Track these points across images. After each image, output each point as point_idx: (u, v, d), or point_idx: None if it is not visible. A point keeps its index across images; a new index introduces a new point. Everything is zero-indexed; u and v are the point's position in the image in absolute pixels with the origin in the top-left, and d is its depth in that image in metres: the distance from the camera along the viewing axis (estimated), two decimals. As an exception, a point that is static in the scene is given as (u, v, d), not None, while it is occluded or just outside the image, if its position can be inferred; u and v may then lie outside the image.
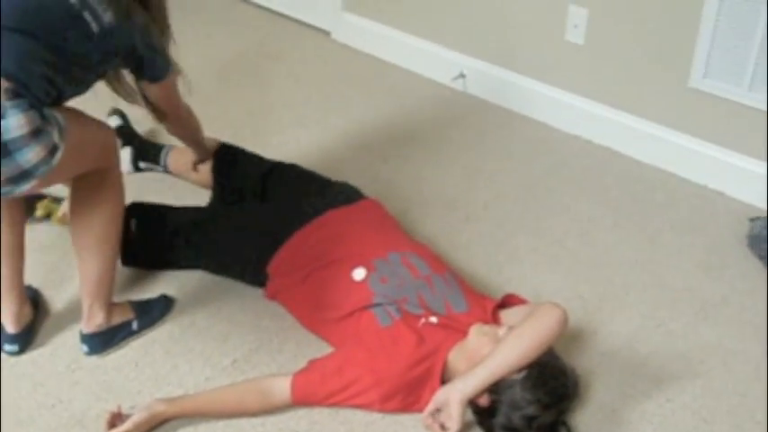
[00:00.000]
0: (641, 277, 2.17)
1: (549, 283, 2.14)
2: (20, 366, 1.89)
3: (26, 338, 1.93)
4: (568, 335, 1.93)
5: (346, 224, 2.04)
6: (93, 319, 1.89)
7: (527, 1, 2.76)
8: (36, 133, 1.50)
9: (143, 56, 1.77)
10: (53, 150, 1.55)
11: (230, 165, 2.30)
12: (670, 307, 2.07)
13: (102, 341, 1.92)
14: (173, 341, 1.96)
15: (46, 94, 1.56)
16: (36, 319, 1.98)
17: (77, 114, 1.71)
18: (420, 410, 1.71)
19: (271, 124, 2.84)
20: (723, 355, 1.93)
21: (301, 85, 3.09)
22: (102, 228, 1.84)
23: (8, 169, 1.51)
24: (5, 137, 1.47)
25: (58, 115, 1.59)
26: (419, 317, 1.80)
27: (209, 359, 1.91)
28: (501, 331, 1.70)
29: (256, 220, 2.10)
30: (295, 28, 3.51)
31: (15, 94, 1.48)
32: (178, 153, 2.43)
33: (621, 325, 2.01)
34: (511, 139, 2.78)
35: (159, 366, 1.90)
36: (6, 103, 1.46)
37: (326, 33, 3.43)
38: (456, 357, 1.73)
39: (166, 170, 2.46)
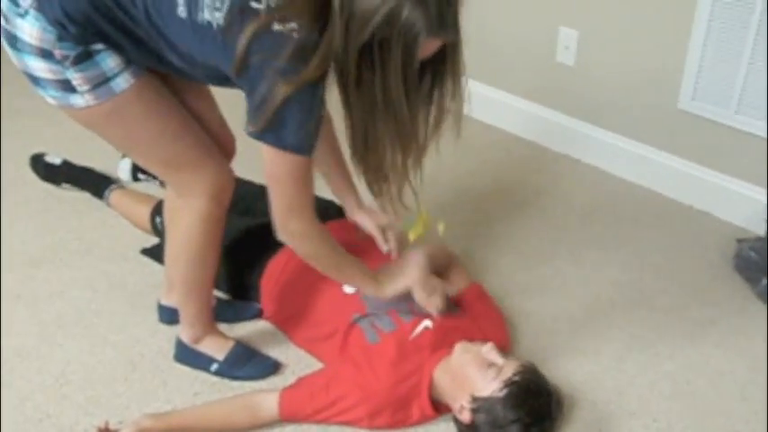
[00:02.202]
0: (629, 297, 2.18)
1: (536, 301, 2.15)
2: (6, 379, 1.89)
3: None
4: (555, 353, 1.95)
5: (337, 236, 2.04)
6: (181, 330, 1.90)
7: (518, 22, 2.79)
8: (44, 52, 1.46)
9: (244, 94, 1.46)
10: (65, 85, 1.50)
11: None
12: (657, 327, 2.08)
13: (181, 353, 1.93)
14: (161, 356, 1.96)
15: (89, 35, 1.46)
16: None
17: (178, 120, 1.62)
18: (410, 426, 1.71)
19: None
20: (710, 375, 1.94)
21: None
22: (178, 240, 1.78)
23: (15, 60, 1.51)
24: (17, 31, 1.47)
25: (119, 77, 1.50)
26: (413, 324, 1.82)
27: (197, 375, 1.91)
28: (484, 349, 1.71)
29: (245, 233, 2.10)
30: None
31: (40, 7, 1.44)
32: None
33: (608, 344, 2.02)
34: (500, 158, 2.80)
35: (148, 382, 1.90)
36: (30, 9, 1.45)
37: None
38: (441, 375, 1.74)
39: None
